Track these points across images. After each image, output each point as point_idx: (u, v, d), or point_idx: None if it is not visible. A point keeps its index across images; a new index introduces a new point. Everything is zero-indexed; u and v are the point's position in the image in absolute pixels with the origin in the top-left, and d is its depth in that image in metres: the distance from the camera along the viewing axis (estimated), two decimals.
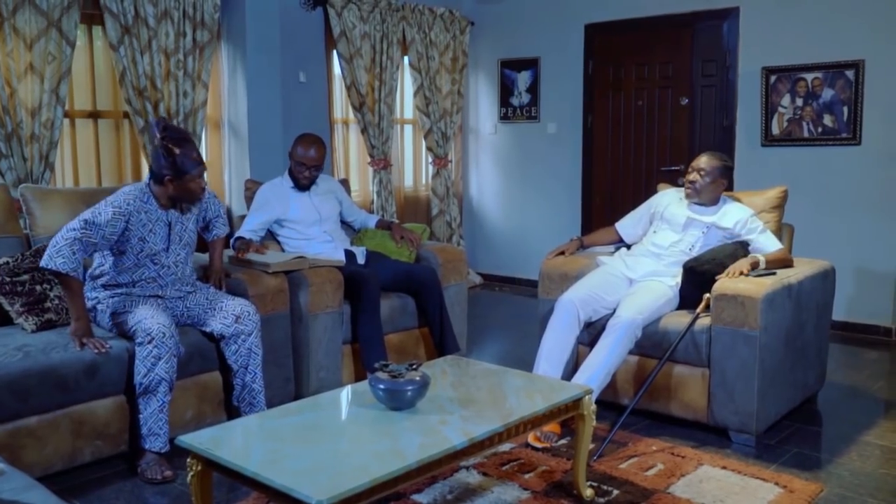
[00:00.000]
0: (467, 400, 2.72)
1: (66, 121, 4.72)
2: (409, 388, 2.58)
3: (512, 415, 2.59)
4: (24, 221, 3.79)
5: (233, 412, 3.56)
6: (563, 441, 3.49)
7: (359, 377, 4.07)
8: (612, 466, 3.24)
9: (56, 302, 3.45)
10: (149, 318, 3.21)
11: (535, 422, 2.67)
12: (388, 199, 6.45)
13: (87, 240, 3.20)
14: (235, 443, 2.38)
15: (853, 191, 5.38)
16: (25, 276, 3.43)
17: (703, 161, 3.93)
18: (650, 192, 6.12)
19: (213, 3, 5.17)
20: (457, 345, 4.35)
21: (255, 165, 5.43)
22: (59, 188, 4.38)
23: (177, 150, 3.28)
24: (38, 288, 3.44)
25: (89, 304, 3.42)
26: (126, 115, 4.99)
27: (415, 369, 2.64)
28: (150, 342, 3.14)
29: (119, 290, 3.42)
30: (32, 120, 4.43)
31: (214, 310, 3.47)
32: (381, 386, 2.59)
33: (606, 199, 6.59)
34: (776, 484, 3.08)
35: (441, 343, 4.29)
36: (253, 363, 3.48)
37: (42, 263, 3.17)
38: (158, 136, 3.29)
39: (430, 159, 6.97)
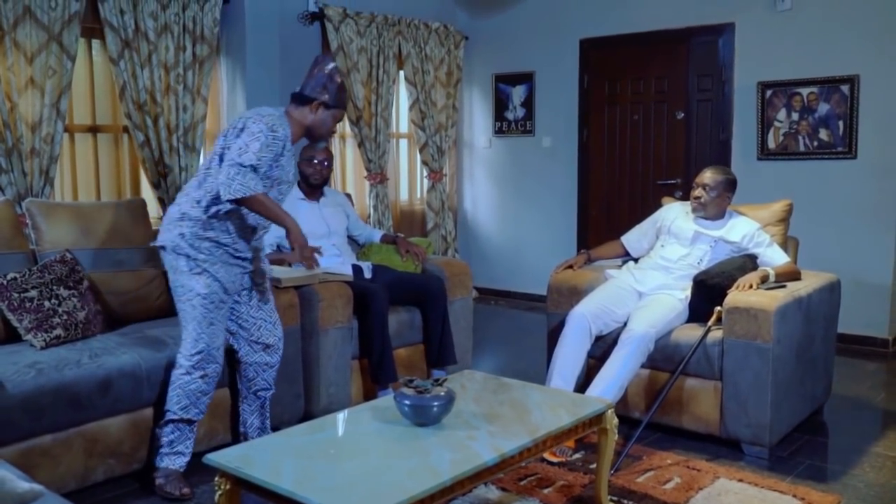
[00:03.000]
0: (492, 415, 2.71)
1: (66, 135, 4.67)
2: (436, 403, 2.56)
3: (539, 430, 2.58)
4: (30, 236, 3.74)
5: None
6: (577, 455, 3.49)
7: (367, 392, 4.05)
8: (630, 480, 3.24)
9: (65, 318, 3.39)
10: (209, 342, 3.13)
11: (560, 437, 2.66)
12: (385, 213, 6.44)
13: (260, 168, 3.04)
14: (265, 461, 2.35)
15: (849, 204, 5.45)
16: (34, 292, 3.38)
17: (708, 176, 3.96)
18: (647, 205, 6.17)
19: (212, 17, 5.16)
20: (455, 357, 4.35)
21: None
22: (66, 202, 4.33)
23: (342, 84, 3.28)
24: (46, 304, 3.38)
25: (173, 232, 3.14)
26: (125, 129, 4.95)
27: (440, 384, 2.63)
28: (202, 377, 3.11)
29: (207, 238, 3.15)
30: (33, 134, 4.39)
31: (248, 330, 3.36)
32: (407, 402, 2.57)
33: (603, 212, 6.62)
34: (794, 496, 3.09)
35: (439, 353, 4.28)
36: (268, 396, 3.45)
37: (227, 197, 2.96)
38: (331, 63, 3.26)
39: (425, 173, 6.97)
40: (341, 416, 2.77)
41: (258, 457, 2.39)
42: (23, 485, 1.80)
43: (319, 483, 2.19)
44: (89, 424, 3.09)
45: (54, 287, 3.44)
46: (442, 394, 2.59)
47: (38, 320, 3.33)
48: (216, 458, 2.36)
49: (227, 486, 2.36)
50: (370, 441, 2.52)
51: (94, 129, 4.91)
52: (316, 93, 3.23)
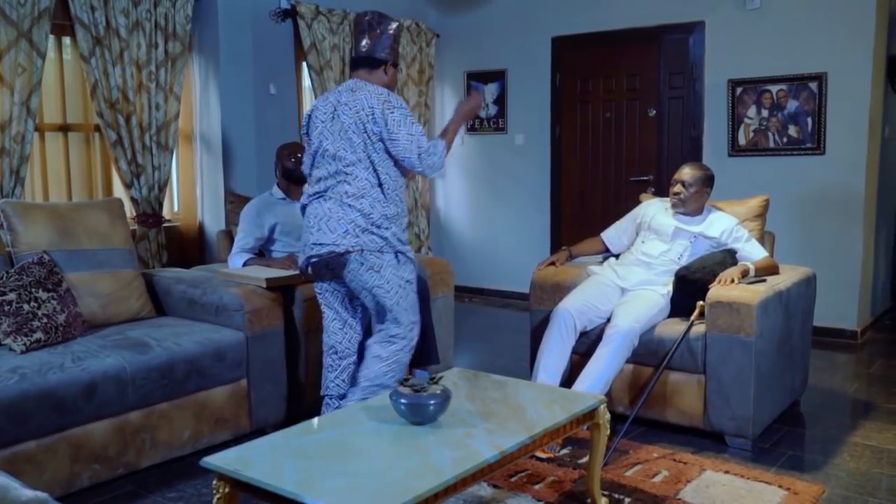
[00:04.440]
0: (487, 412, 2.71)
1: (36, 134, 4.57)
2: (432, 402, 2.56)
3: (536, 426, 2.58)
4: (6, 238, 3.65)
5: (235, 430, 3.48)
6: (564, 451, 3.51)
7: None
8: (619, 474, 3.27)
9: (45, 321, 3.32)
10: (417, 318, 3.40)
11: (556, 433, 2.67)
12: None
13: None
14: (264, 463, 2.32)
15: (818, 199, 5.55)
16: (12, 295, 3.30)
17: (686, 172, 4.01)
18: (620, 202, 6.25)
19: (184, 14, 5.08)
20: (437, 357, 4.33)
21: (228, 178, 5.33)
22: (43, 203, 4.23)
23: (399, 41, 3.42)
24: (25, 307, 3.31)
25: (378, 234, 3.21)
26: (97, 128, 4.86)
27: (436, 383, 2.62)
28: (411, 349, 3.38)
29: (404, 229, 3.36)
30: (2, 134, 4.29)
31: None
32: (404, 400, 2.56)
33: (576, 209, 6.66)
34: (780, 486, 3.15)
35: (422, 353, 4.27)
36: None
37: (440, 170, 3.27)
38: (394, 23, 3.34)
39: None
40: (336, 416, 2.75)
41: (257, 459, 2.36)
42: (27, 492, 1.76)
43: (322, 484, 2.17)
44: (74, 429, 3.03)
45: (33, 290, 3.37)
46: (438, 392, 2.58)
47: (18, 324, 3.26)
48: (214, 460, 2.32)
49: (226, 490, 2.33)
50: (368, 441, 2.50)
51: (64, 128, 4.81)
52: (386, 54, 3.31)
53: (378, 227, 3.19)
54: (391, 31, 3.33)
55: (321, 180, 3.27)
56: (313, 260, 3.28)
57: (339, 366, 3.44)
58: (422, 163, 3.20)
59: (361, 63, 3.31)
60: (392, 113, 3.17)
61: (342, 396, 3.42)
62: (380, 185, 3.22)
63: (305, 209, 3.34)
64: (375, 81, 3.28)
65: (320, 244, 3.21)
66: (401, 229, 3.28)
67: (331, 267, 3.28)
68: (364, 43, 3.30)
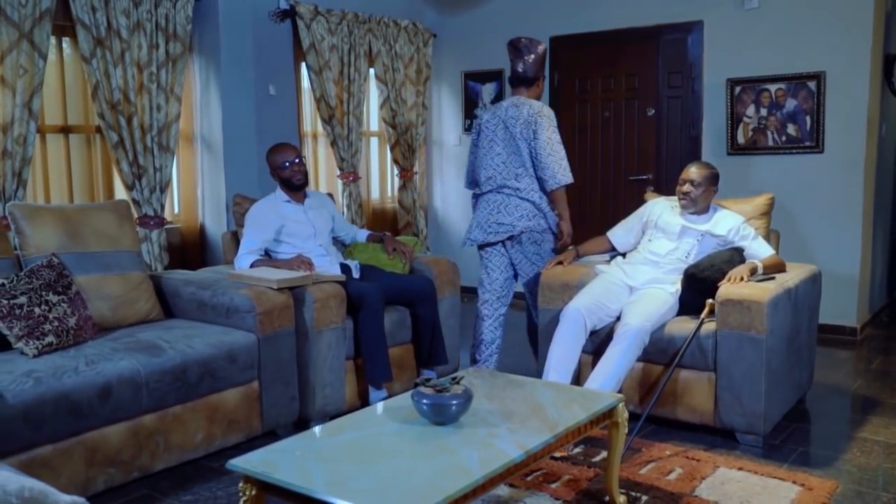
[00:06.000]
0: (507, 412, 2.72)
1: (37, 136, 4.52)
2: (455, 402, 2.56)
3: (558, 425, 2.59)
4: (14, 241, 3.61)
5: (248, 432, 3.47)
6: (577, 449, 3.52)
7: (361, 393, 4.03)
8: (633, 472, 3.28)
9: (56, 324, 3.29)
10: None
11: (578, 432, 2.68)
12: (358, 211, 6.40)
13: None
14: (291, 465, 2.32)
15: (817, 197, 5.59)
16: (23, 299, 3.27)
17: (694, 172, 4.03)
18: (619, 201, 6.27)
19: (185, 14, 5.06)
20: (446, 357, 4.35)
21: (230, 180, 5.31)
22: (51, 205, 4.19)
23: None
24: (36, 310, 3.28)
25: (541, 218, 4.28)
26: (98, 129, 4.83)
27: (457, 383, 2.63)
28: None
29: None
30: (4, 136, 4.25)
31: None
32: (426, 401, 2.56)
33: (574, 209, 6.60)
34: (794, 482, 3.17)
35: (431, 354, 4.29)
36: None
37: (553, 185, 4.21)
38: (542, 45, 4.25)
39: (396, 171, 6.95)
40: (357, 417, 2.74)
41: (282, 461, 2.35)
42: (64, 497, 1.77)
43: (352, 485, 2.17)
44: (89, 433, 3.01)
45: (43, 293, 3.34)
46: (460, 392, 2.59)
47: (30, 327, 3.23)
48: (240, 463, 2.32)
49: (253, 492, 2.33)
50: (393, 441, 2.50)
51: (65, 130, 4.77)
52: (538, 72, 4.26)
53: (545, 214, 4.22)
54: (539, 52, 4.25)
55: (491, 179, 4.24)
56: (492, 238, 4.22)
57: (493, 315, 4.32)
58: (545, 167, 4.11)
59: (521, 82, 4.26)
60: (541, 119, 4.11)
61: (493, 342, 4.31)
62: (533, 179, 4.18)
63: (478, 199, 4.33)
64: (532, 95, 4.27)
65: (500, 224, 4.20)
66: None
67: (503, 242, 4.24)
68: (521, 66, 4.24)
